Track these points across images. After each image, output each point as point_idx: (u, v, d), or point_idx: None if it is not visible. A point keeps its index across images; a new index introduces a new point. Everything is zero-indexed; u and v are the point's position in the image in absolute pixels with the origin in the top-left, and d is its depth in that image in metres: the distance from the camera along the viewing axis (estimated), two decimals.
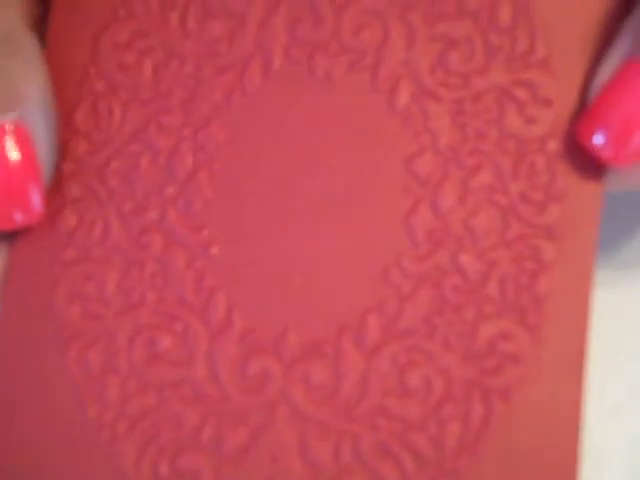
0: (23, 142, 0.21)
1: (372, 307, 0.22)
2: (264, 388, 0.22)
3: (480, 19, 0.22)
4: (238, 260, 0.22)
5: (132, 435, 0.22)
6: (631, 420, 0.24)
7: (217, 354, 0.22)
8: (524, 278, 0.22)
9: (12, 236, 0.23)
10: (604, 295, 0.25)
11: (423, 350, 0.22)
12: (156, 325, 0.22)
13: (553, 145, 0.22)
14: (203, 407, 0.22)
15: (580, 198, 0.22)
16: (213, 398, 0.22)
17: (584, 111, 0.22)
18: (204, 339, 0.22)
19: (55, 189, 0.23)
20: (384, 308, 0.22)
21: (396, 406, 0.22)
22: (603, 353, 0.23)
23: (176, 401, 0.22)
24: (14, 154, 0.21)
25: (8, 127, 0.21)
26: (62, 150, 0.23)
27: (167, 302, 0.22)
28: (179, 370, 0.22)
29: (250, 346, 0.22)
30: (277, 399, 0.22)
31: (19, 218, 0.22)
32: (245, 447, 0.22)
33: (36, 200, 0.22)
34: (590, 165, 0.22)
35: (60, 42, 0.23)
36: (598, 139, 0.21)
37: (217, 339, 0.22)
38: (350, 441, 0.21)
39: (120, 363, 0.22)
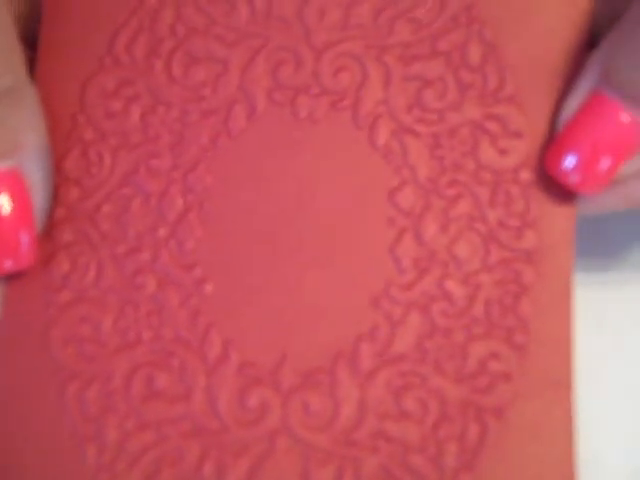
0: (18, 190, 0.22)
1: (364, 334, 0.23)
2: (263, 419, 0.22)
3: (452, 59, 0.24)
4: (231, 296, 0.23)
5: (131, 473, 0.22)
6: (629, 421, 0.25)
7: (215, 388, 0.22)
8: (508, 300, 0.23)
9: (5, 280, 0.23)
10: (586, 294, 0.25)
11: (416, 373, 0.22)
12: (153, 363, 0.23)
13: (526, 175, 0.23)
14: (203, 441, 0.22)
15: (554, 224, 0.23)
16: (213, 431, 0.22)
17: (552, 141, 0.23)
18: (201, 374, 0.22)
19: (47, 234, 0.23)
20: (376, 335, 0.23)
21: (394, 429, 0.22)
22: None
23: (176, 437, 0.22)
24: (8, 202, 0.22)
25: (3, 175, 0.21)
26: (53, 196, 0.23)
27: (163, 340, 0.23)
28: (177, 406, 0.22)
29: (247, 378, 0.22)
30: (277, 429, 0.22)
31: (9, 265, 0.22)
32: (247, 478, 0.22)
33: (27, 248, 0.22)
34: (561, 192, 0.23)
35: (47, 91, 0.24)
36: (566, 166, 0.22)
37: (214, 373, 0.22)
38: (351, 466, 0.22)
39: (118, 402, 0.22)
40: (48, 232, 0.23)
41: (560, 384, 0.22)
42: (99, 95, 0.24)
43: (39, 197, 0.22)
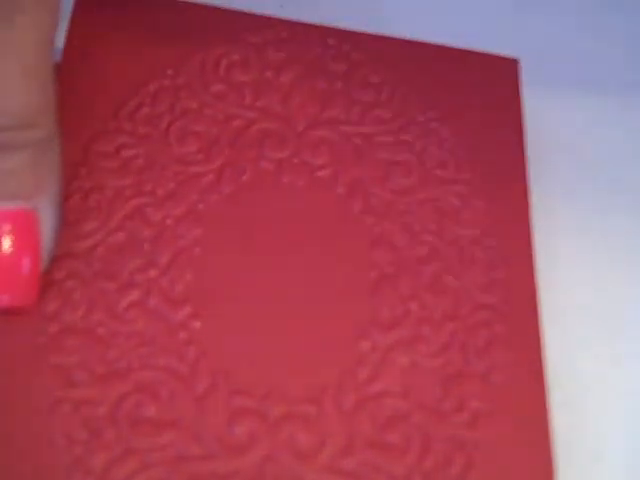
0: (33, 231, 0.23)
1: (349, 371, 0.23)
2: (251, 448, 0.22)
3: (415, 146, 0.27)
4: (220, 331, 0.24)
5: None
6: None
7: (203, 417, 0.22)
8: (481, 344, 0.24)
9: None
10: None
11: (399, 409, 0.23)
12: (142, 391, 0.22)
13: (489, 241, 0.26)
14: (190, 469, 0.22)
15: (517, 283, 0.25)
16: (200, 459, 0.22)
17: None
18: (190, 403, 0.23)
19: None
20: (359, 372, 0.24)
21: (380, 460, 0.22)
22: None
23: (162, 464, 0.22)
24: (22, 240, 0.22)
25: (23, 215, 0.22)
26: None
27: (152, 369, 0.23)
28: (165, 434, 0.22)
29: (236, 408, 0.23)
30: (264, 458, 0.22)
31: (6, 300, 0.22)
32: None
33: (30, 285, 0.23)
34: (525, 257, 0.26)
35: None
36: None
37: (203, 402, 0.23)
38: None
39: (105, 428, 0.22)
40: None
41: (536, 417, 0.23)
42: (100, 154, 0.25)
43: (48, 238, 0.23)
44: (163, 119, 0.26)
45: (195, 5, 0.28)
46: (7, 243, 0.22)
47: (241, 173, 0.26)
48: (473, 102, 0.28)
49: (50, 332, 0.23)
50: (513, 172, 0.27)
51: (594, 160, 0.28)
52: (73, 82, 0.26)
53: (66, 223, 0.24)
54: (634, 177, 0.28)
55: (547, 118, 0.29)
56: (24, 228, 0.22)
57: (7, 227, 0.22)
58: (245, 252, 0.25)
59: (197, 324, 0.24)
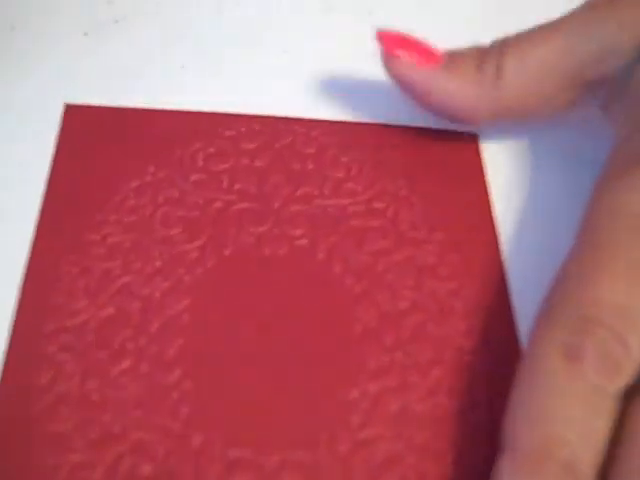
0: None
1: (341, 418, 0.24)
2: None
3: (386, 214, 0.29)
4: (212, 389, 0.24)
5: None
6: None
7: (200, 472, 0.23)
8: (464, 386, 0.25)
9: None
10: None
11: (393, 451, 0.23)
12: (137, 452, 0.23)
13: (466, 292, 0.27)
14: None
15: (495, 330, 0.26)
16: None
17: None
18: (186, 460, 0.23)
19: (32, 344, 0.24)
20: (351, 419, 0.24)
21: None
22: None
23: None
24: None
25: None
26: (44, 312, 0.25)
27: (147, 431, 0.23)
28: None
29: (231, 461, 0.23)
30: None
31: None
32: None
33: None
34: (501, 309, 0.27)
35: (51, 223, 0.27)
36: None
37: (199, 458, 0.23)
38: None
39: None
40: (33, 343, 0.24)
41: None
42: (88, 242, 0.27)
43: None
44: (147, 208, 0.28)
45: (172, 111, 0.31)
46: None
47: (223, 248, 0.27)
48: (439, 172, 0.30)
49: (45, 402, 0.23)
50: (482, 225, 0.28)
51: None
52: (64, 182, 0.28)
53: (56, 304, 0.25)
54: None
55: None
56: None
57: None
58: (232, 317, 0.26)
59: (189, 384, 0.24)
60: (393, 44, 0.28)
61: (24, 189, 0.28)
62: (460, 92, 0.28)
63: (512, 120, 0.29)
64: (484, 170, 0.30)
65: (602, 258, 0.22)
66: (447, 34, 0.34)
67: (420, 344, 0.26)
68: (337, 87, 0.32)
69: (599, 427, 0.21)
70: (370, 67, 0.30)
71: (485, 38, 0.30)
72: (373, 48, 0.28)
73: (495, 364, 0.25)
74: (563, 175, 0.30)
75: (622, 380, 0.21)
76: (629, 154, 0.24)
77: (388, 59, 0.28)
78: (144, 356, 0.25)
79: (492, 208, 0.29)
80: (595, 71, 0.27)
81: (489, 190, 0.29)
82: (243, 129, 0.30)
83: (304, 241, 0.28)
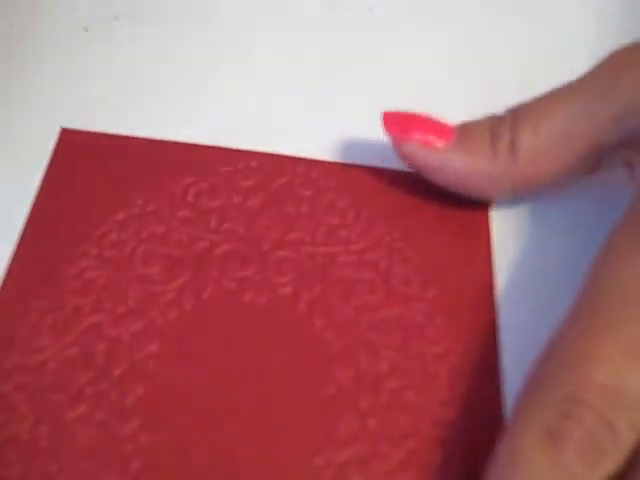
0: None
1: None
2: None
3: (379, 267, 0.27)
4: (168, 445, 0.23)
5: None
6: None
7: None
8: (438, 462, 0.23)
9: None
10: None
11: None
12: None
13: (452, 358, 0.25)
14: None
15: (480, 399, 0.25)
16: None
17: None
18: None
19: None
20: None
21: None
22: None
23: None
24: None
25: None
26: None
27: None
28: None
29: None
30: None
31: None
32: None
33: None
34: (486, 370, 0.25)
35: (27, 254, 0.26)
36: None
37: None
38: None
39: None
40: None
41: None
42: (64, 276, 0.26)
43: None
44: (128, 244, 0.27)
45: (168, 142, 0.30)
46: None
47: (201, 291, 0.26)
48: (440, 224, 0.28)
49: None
50: (479, 286, 0.27)
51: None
52: (49, 209, 0.27)
53: (20, 338, 0.24)
54: None
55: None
56: None
57: None
58: (201, 366, 0.24)
59: (144, 437, 0.23)
60: (401, 127, 0.27)
61: (8, 209, 0.27)
62: (474, 170, 0.27)
63: (529, 193, 0.28)
64: (489, 227, 0.28)
65: (595, 333, 0.21)
66: (447, 31, 0.32)
67: (396, 412, 0.24)
68: (341, 127, 0.31)
69: None
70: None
71: (485, 34, 0.28)
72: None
73: (474, 440, 0.24)
74: (573, 240, 0.28)
75: (607, 467, 0.20)
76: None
77: (398, 143, 0.27)
78: (102, 402, 0.23)
79: (492, 268, 0.27)
80: (613, 135, 0.25)
81: (492, 249, 0.28)
82: (240, 165, 0.29)
83: (287, 289, 0.26)
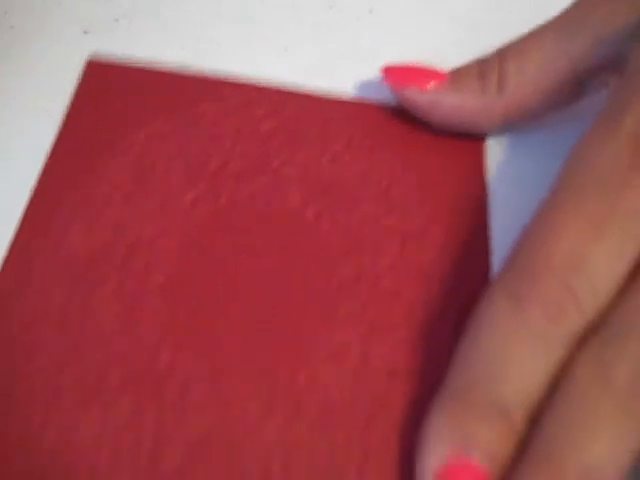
0: None
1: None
2: None
3: (381, 185, 0.30)
4: (187, 313, 0.25)
5: None
6: None
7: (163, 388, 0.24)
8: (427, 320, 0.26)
9: None
10: None
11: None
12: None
13: (446, 263, 0.28)
14: None
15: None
16: None
17: None
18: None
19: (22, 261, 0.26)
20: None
21: None
22: None
23: None
24: None
25: None
26: None
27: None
28: None
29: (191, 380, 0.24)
30: None
31: None
32: None
33: None
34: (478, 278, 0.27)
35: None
36: None
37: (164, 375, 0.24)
38: None
39: None
40: (24, 257, 0.26)
41: None
42: (89, 183, 0.28)
43: None
44: (150, 156, 0.29)
45: (188, 73, 0.32)
46: None
47: (217, 198, 0.28)
48: (440, 158, 0.30)
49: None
50: (473, 201, 0.29)
51: None
52: (77, 126, 0.30)
53: (54, 228, 0.27)
54: None
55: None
56: None
57: None
58: (217, 261, 0.27)
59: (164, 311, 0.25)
60: (399, 78, 0.30)
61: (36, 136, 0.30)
62: (466, 103, 0.29)
63: (519, 122, 0.30)
64: (483, 152, 0.31)
65: (563, 207, 0.23)
66: (447, 31, 0.35)
67: (394, 299, 0.26)
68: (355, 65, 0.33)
69: (536, 370, 0.22)
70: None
71: (484, 33, 0.31)
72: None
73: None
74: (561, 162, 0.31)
75: (566, 327, 0.22)
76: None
77: (396, 92, 0.30)
78: (126, 284, 0.26)
79: (486, 186, 0.30)
80: (588, 65, 0.28)
81: (485, 171, 0.30)
82: (254, 94, 0.32)
83: (296, 200, 0.29)
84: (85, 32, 0.33)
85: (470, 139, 0.31)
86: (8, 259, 0.26)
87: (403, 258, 0.28)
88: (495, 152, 0.31)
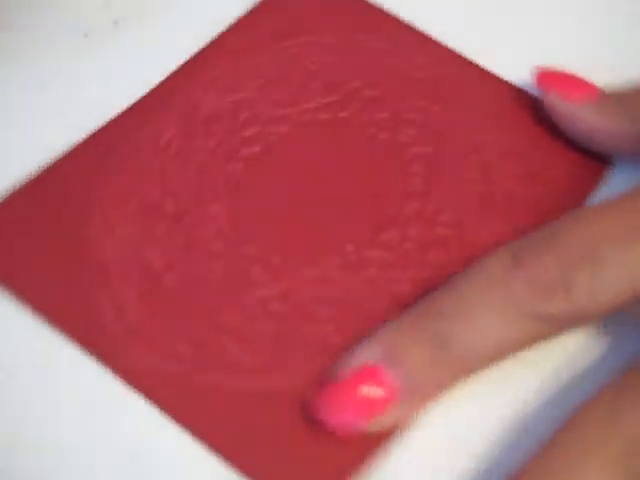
0: None
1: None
2: None
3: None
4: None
5: None
6: None
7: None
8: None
9: None
10: None
11: None
12: None
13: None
14: None
15: None
16: None
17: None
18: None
19: None
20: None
21: None
22: None
23: None
24: None
25: None
26: None
27: None
28: None
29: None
30: None
31: None
32: None
33: None
34: None
35: None
36: None
37: None
38: None
39: None
40: None
41: None
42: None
43: None
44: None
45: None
46: None
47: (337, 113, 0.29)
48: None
49: None
50: None
51: None
52: None
53: None
54: None
55: None
56: None
57: None
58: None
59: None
60: (549, 80, 0.28)
61: None
62: (602, 126, 0.27)
63: None
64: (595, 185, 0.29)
65: (611, 208, 0.23)
66: (451, 22, 0.32)
67: None
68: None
69: (495, 332, 0.22)
70: None
71: (484, 30, 0.30)
72: None
73: None
74: None
75: (547, 308, 0.22)
76: None
77: (544, 95, 0.28)
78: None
79: None
80: None
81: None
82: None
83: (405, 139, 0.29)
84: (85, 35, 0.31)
85: (597, 159, 0.29)
86: None
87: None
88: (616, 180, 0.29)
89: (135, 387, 0.23)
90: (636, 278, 0.21)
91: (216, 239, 0.26)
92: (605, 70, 0.30)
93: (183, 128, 0.28)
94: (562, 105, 0.28)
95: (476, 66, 0.31)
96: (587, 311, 0.22)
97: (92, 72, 0.30)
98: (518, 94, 0.30)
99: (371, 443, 0.22)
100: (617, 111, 0.27)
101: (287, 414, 0.23)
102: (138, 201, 0.26)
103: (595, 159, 0.29)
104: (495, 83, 0.30)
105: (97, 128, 0.28)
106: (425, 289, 0.25)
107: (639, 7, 0.32)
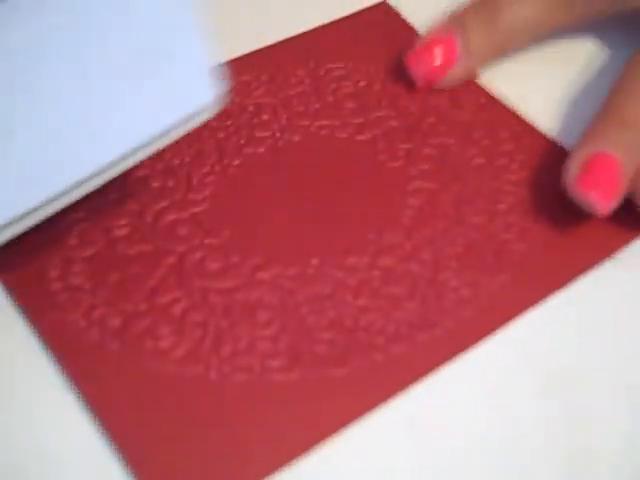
0: None
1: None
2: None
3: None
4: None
5: None
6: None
7: None
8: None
9: None
10: None
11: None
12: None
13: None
14: None
15: None
16: None
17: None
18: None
19: None
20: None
21: None
22: None
23: None
24: None
25: None
26: None
27: None
28: None
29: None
30: None
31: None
32: None
33: None
34: None
35: None
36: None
37: None
38: None
39: None
40: None
41: None
42: None
43: None
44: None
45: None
46: None
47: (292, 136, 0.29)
48: None
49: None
50: None
51: None
52: None
53: None
54: None
55: None
56: None
57: None
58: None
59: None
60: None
61: None
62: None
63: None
64: None
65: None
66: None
67: None
68: None
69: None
70: None
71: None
72: None
73: None
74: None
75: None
76: None
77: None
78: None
79: None
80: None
81: None
82: None
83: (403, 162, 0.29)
84: None
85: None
86: None
87: None
88: None
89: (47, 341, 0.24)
90: None
91: (185, 224, 0.26)
92: None
93: None
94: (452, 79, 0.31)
95: (517, 116, 0.30)
96: None
97: None
98: (553, 148, 0.29)
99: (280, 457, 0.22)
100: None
101: (196, 402, 0.23)
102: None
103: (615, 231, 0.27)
104: (533, 135, 0.29)
105: None
106: (368, 322, 0.24)
107: None
